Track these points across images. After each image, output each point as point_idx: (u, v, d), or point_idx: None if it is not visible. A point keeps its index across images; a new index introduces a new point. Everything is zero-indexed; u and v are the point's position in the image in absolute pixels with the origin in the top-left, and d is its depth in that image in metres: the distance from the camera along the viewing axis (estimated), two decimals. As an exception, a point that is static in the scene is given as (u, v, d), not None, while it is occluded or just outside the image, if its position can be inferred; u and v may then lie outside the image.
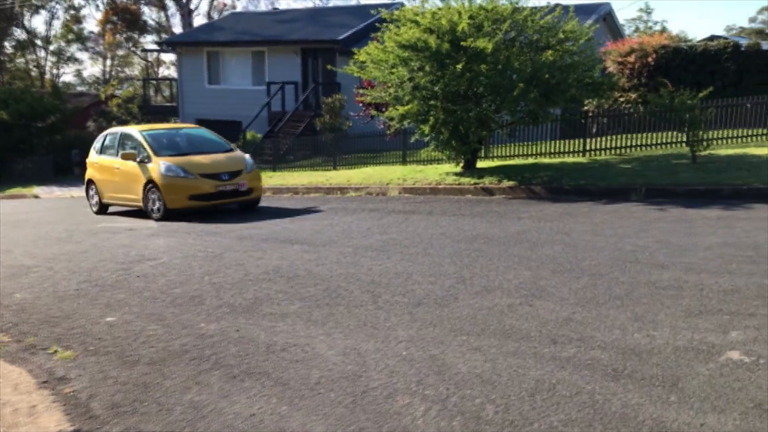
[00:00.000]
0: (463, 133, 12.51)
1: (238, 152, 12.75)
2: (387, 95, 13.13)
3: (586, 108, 15.80)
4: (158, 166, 11.45)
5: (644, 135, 14.64)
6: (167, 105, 33.75)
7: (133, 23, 49.35)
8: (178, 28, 46.84)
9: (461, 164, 13.73)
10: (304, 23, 28.20)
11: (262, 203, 12.84)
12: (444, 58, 11.95)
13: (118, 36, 50.47)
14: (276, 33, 27.30)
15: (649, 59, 19.24)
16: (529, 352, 4.06)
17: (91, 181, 13.65)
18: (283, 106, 25.02)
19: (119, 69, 57.18)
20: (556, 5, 12.91)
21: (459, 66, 11.60)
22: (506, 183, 11.80)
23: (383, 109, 14.14)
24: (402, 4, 17.96)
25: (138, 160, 11.89)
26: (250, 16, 34.45)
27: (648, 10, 41.07)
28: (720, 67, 19.03)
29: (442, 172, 13.84)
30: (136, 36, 51.80)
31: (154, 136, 12.49)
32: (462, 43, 11.71)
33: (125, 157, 12.12)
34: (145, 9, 51.19)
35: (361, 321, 4.88)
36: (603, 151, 14.57)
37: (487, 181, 12.05)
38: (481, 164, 14.24)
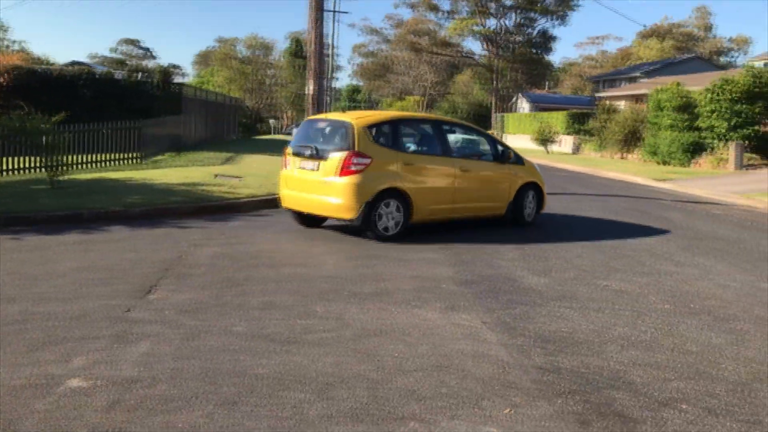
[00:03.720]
0: None
1: None
2: None
3: None
4: (533, 165, 10.75)
5: (-1, 159, 13.73)
6: None
7: None
8: None
9: None
10: None
11: None
12: None
13: None
14: None
15: (2, 80, 18.20)
16: None
17: (391, 192, 8.77)
18: None
19: None
20: None
21: None
22: None
23: None
24: None
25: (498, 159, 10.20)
26: None
27: (4, 28, 38.72)
28: (78, 92, 19.42)
29: None
30: None
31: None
32: None
33: (503, 157, 10.11)
34: None
35: None
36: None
37: None
38: None
